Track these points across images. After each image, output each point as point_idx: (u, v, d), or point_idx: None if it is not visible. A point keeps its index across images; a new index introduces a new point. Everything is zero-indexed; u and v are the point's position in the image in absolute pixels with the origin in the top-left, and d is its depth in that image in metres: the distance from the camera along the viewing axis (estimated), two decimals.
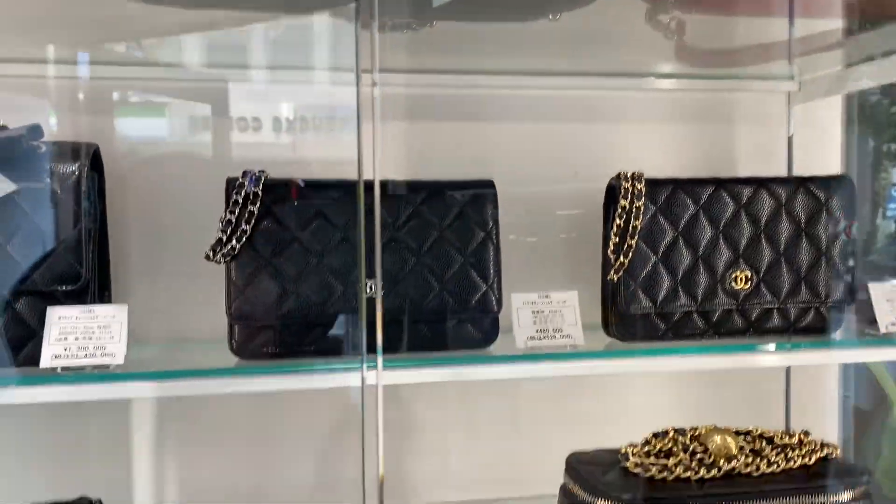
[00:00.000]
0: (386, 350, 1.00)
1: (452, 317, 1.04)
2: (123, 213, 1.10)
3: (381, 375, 0.89)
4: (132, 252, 1.13)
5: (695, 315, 1.09)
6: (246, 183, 0.99)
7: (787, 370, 1.29)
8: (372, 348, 0.93)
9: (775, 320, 1.11)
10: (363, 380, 0.90)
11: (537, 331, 1.03)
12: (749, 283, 1.09)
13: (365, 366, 0.91)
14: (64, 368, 0.92)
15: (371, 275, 0.97)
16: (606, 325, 1.12)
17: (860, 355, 1.13)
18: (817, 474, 0.85)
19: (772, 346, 1.09)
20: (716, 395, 1.24)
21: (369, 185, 1.01)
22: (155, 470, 1.16)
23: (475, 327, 1.05)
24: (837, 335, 1.11)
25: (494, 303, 1.04)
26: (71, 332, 0.93)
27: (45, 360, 0.91)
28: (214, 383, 0.95)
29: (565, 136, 1.23)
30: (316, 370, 0.94)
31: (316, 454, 1.20)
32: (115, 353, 0.93)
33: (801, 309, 1.11)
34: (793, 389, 1.28)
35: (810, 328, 1.11)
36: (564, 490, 0.89)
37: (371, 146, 0.93)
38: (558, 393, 1.25)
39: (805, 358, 1.15)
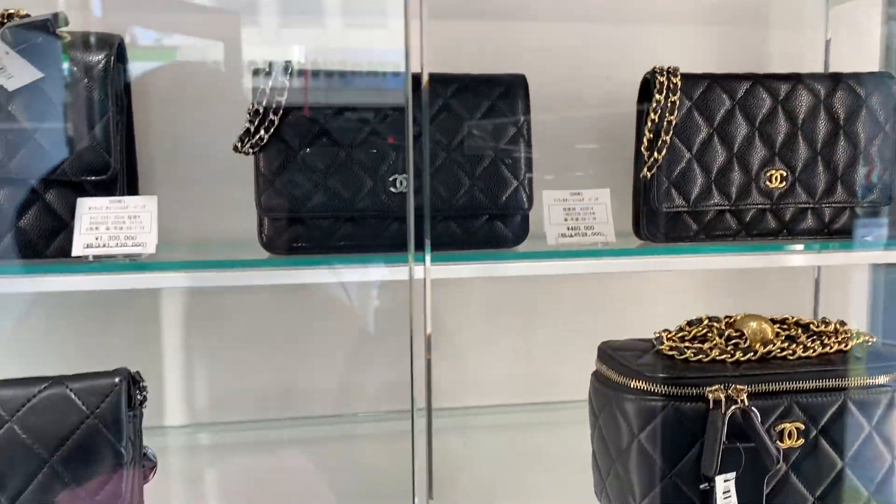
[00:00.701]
0: (417, 247, 1.00)
1: (483, 214, 1.02)
2: (146, 116, 1.09)
3: (429, 270, 0.86)
4: (156, 157, 1.12)
5: (727, 215, 1.07)
6: (273, 73, 0.97)
7: (818, 272, 1.28)
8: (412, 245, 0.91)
9: (809, 221, 1.09)
10: (411, 274, 0.87)
11: (568, 228, 1.01)
12: (784, 182, 1.07)
13: (412, 260, 0.88)
14: (95, 257, 0.92)
15: (409, 171, 0.96)
16: (637, 226, 1.11)
17: (892, 257, 1.11)
18: (854, 358, 0.84)
19: (800, 246, 1.07)
20: (745, 298, 1.23)
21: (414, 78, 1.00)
22: (185, 368, 1.17)
23: (505, 225, 1.04)
24: (871, 238, 1.09)
25: (525, 200, 1.03)
26: (102, 222, 0.93)
27: (77, 249, 0.91)
28: (257, 274, 0.94)
29: (598, 38, 1.20)
30: (364, 262, 0.93)
31: (347, 356, 1.20)
32: (146, 242, 0.93)
33: (836, 209, 1.09)
34: (822, 294, 1.27)
35: (844, 230, 1.09)
36: (597, 375, 0.89)
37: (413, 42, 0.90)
38: (585, 295, 1.24)
39: (836, 258, 1.13)
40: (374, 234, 1.00)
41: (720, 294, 1.25)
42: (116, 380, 0.74)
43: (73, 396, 0.72)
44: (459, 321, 1.23)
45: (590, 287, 1.24)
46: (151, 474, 0.79)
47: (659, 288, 1.25)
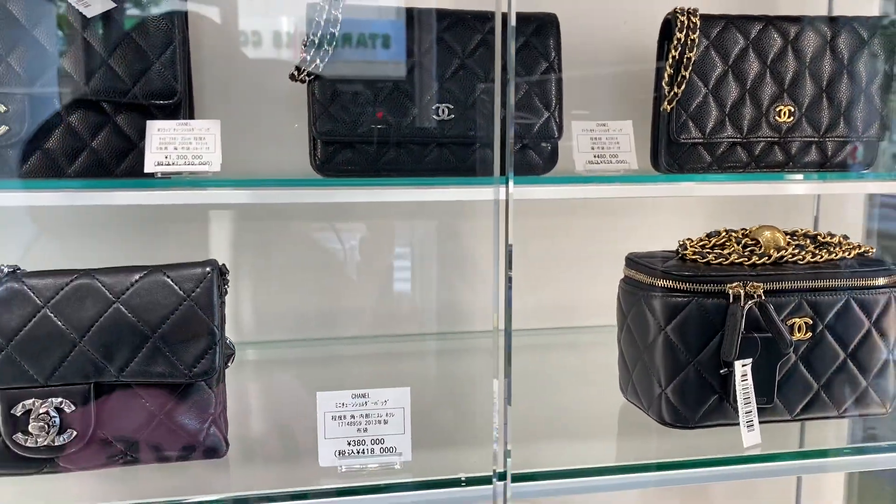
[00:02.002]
0: (457, 171, 1.09)
1: (516, 142, 1.11)
2: (197, 48, 1.16)
3: (511, 192, 0.89)
4: (207, 86, 1.19)
5: (739, 147, 1.17)
6: (327, 7, 1.05)
7: (817, 203, 1.38)
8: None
9: (813, 154, 1.18)
10: (497, 195, 0.91)
11: (595, 156, 1.10)
12: (791, 116, 1.16)
13: (498, 183, 0.90)
14: (164, 175, 0.99)
15: (448, 99, 1.04)
16: (655, 159, 1.20)
17: (887, 187, 1.21)
18: (856, 264, 0.94)
19: (800, 176, 1.17)
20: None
21: (442, 14, 1.08)
22: (232, 288, 1.25)
23: (537, 153, 1.13)
24: (870, 169, 1.19)
25: (556, 129, 1.12)
26: (170, 142, 1.00)
27: (149, 166, 0.99)
28: (313, 192, 1.01)
29: None
30: (446, 184, 0.99)
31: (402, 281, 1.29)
32: (212, 161, 1.00)
33: (839, 143, 1.18)
34: (820, 224, 1.37)
35: (845, 163, 1.19)
36: (625, 280, 0.99)
37: None
38: (606, 221, 1.33)
39: (835, 188, 1.23)
40: (417, 160, 1.09)
41: (730, 223, 1.35)
42: (208, 269, 0.82)
43: (170, 282, 0.81)
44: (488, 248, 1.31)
45: (610, 212, 1.33)
46: (231, 360, 0.88)
47: (674, 215, 1.35)
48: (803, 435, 0.99)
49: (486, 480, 0.81)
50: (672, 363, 0.90)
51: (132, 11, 1.02)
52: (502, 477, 0.80)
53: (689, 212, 1.37)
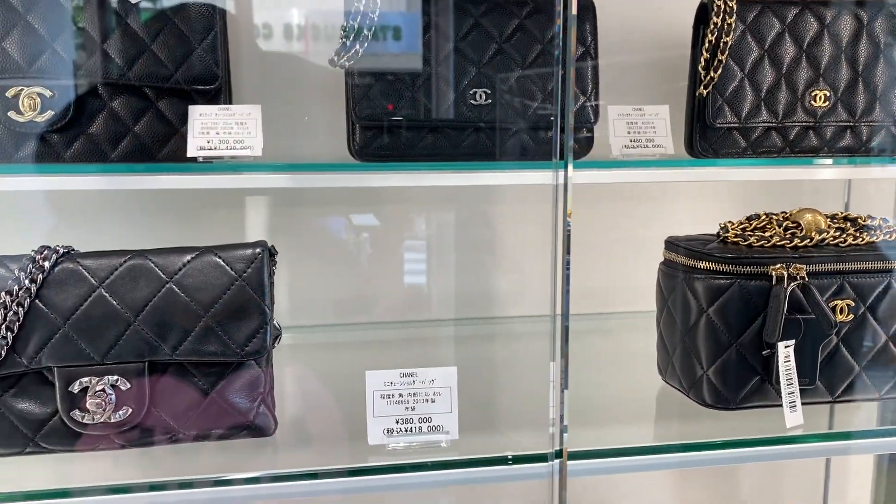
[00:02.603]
0: (493, 156, 1.10)
1: (552, 127, 1.11)
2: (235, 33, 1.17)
3: (570, 175, 0.89)
4: (243, 72, 1.20)
5: (774, 132, 1.17)
6: None
7: (848, 186, 1.38)
8: None
9: (847, 139, 1.18)
10: (556, 179, 0.90)
11: (631, 140, 1.11)
12: (827, 101, 1.16)
13: (556, 167, 0.90)
14: (205, 159, 1.00)
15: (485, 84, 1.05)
16: (690, 144, 1.20)
17: None
18: None
19: (829, 161, 1.17)
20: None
21: None
22: None
23: (574, 139, 1.13)
24: None
25: (592, 115, 1.12)
26: (212, 127, 1.02)
27: (191, 151, 1.00)
28: (353, 177, 1.02)
29: None
30: (505, 168, 1.00)
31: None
32: (253, 146, 1.01)
33: (873, 128, 1.18)
34: (851, 208, 1.37)
35: (879, 148, 1.19)
36: (665, 264, 0.99)
37: None
38: (643, 206, 1.33)
39: (865, 172, 1.23)
40: (454, 144, 1.10)
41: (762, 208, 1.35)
42: (258, 250, 0.83)
43: (221, 262, 0.82)
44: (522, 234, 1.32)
45: (644, 198, 1.34)
46: (277, 341, 0.90)
47: (705, 200, 1.35)
48: (832, 418, 1.00)
49: (537, 458, 0.82)
50: (714, 345, 0.91)
51: None
52: (558, 455, 0.81)
53: (720, 197, 1.38)
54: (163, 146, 1.04)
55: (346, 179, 1.04)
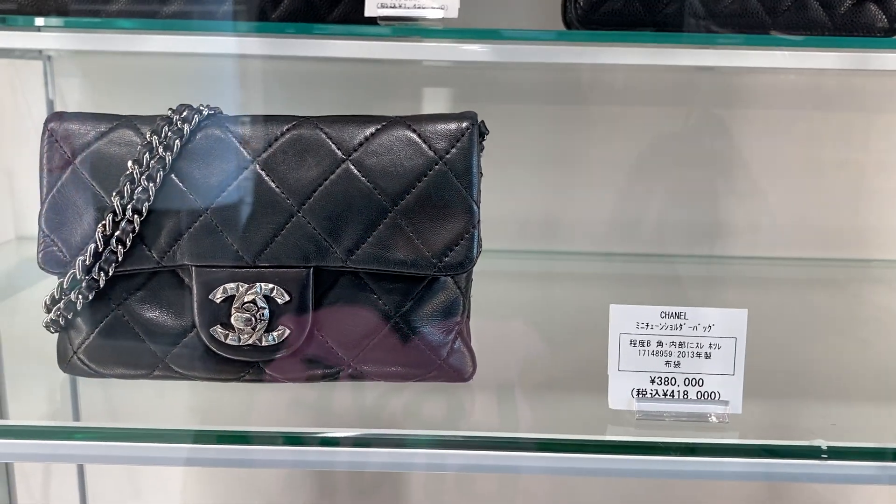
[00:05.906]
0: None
1: None
2: None
3: None
4: None
5: None
6: None
7: None
8: None
9: None
10: None
11: None
12: None
13: None
14: (385, 20, 0.77)
15: None
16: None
17: None
18: None
19: None
20: None
21: None
22: None
23: None
24: None
25: None
26: None
27: (370, 10, 0.77)
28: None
29: None
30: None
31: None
32: (447, 4, 0.77)
33: None
34: None
35: None
36: None
37: None
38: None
39: None
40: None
41: None
42: (465, 123, 0.59)
43: (417, 138, 0.58)
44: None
45: None
46: (477, 256, 0.65)
47: None
48: None
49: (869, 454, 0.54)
50: None
51: None
52: None
53: None
54: (334, 6, 0.83)
55: (567, 53, 0.78)
